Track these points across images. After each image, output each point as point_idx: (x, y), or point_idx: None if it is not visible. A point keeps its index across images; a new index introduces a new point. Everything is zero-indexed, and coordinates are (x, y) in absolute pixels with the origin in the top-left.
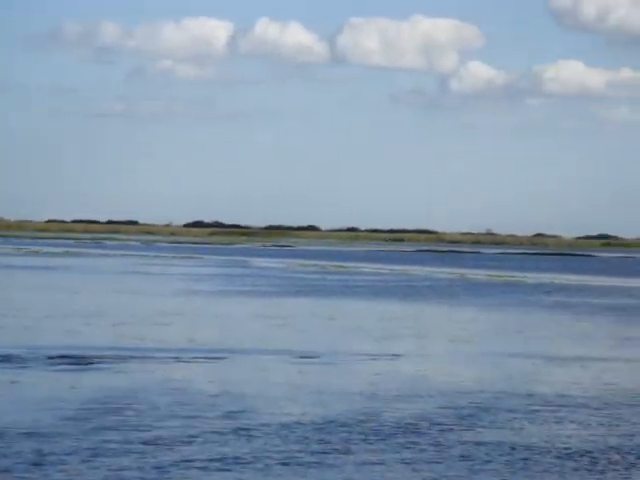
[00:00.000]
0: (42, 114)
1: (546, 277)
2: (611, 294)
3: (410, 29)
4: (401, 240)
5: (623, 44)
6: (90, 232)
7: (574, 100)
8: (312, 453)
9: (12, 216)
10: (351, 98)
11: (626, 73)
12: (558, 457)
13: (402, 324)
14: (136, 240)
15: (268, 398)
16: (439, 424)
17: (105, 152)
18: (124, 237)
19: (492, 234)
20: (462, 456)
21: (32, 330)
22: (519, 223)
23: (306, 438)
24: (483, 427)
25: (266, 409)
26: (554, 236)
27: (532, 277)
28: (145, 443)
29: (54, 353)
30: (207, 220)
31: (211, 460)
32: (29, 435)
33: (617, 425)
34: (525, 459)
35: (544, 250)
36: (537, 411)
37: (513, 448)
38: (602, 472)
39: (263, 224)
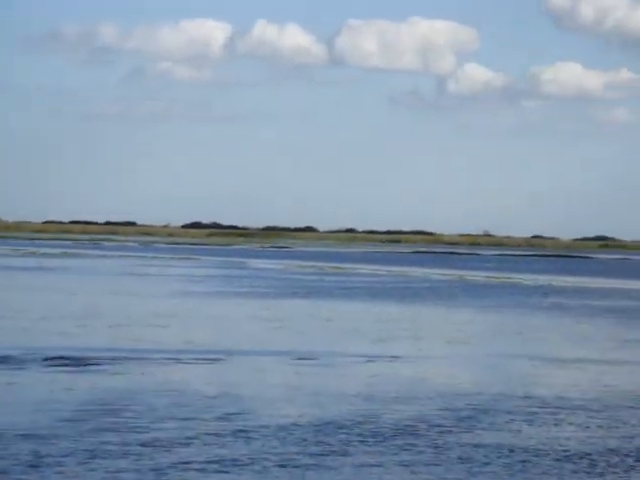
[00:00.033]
0: (40, 115)
1: (544, 279)
2: (609, 296)
3: (408, 31)
4: (398, 241)
5: (621, 46)
6: (88, 233)
7: (572, 102)
8: (310, 455)
9: (9, 217)
10: (349, 100)
11: (624, 75)
12: (557, 459)
13: (400, 325)
14: (134, 241)
15: (266, 400)
16: (437, 426)
17: (103, 153)
18: (122, 238)
19: (490, 235)
20: (460, 458)
21: (29, 331)
22: (517, 224)
23: (304, 440)
24: (482, 429)
25: (264, 411)
26: (552, 238)
27: (530, 278)
28: (143, 445)
29: (51, 354)
30: (205, 221)
31: (209, 462)
32: (26, 437)
33: (616, 427)
34: (524, 461)
35: (542, 252)
36: (536, 413)
37: (512, 450)
38: (601, 475)
39: (261, 225)
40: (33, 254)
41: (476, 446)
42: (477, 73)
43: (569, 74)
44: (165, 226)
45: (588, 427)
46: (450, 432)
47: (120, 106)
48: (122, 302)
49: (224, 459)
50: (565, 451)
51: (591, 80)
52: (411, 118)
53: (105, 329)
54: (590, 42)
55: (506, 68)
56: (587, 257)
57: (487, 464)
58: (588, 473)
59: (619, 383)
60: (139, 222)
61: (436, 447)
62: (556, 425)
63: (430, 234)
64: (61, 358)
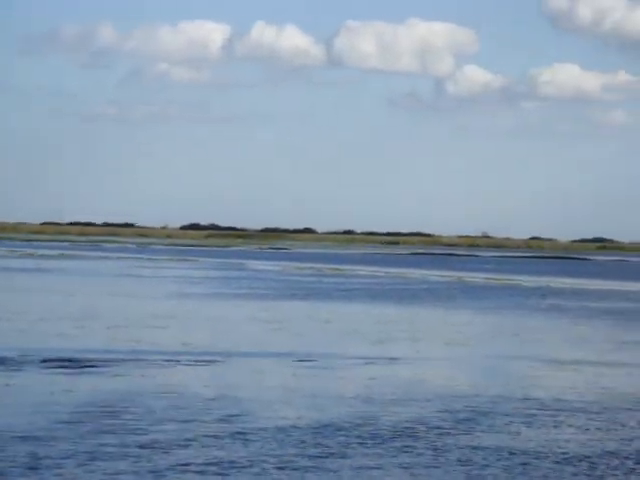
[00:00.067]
0: (40, 115)
1: (542, 280)
2: (607, 298)
3: (406, 32)
4: (397, 243)
5: (619, 47)
6: (86, 234)
7: (570, 103)
8: (309, 457)
9: (7, 218)
10: (347, 101)
11: (622, 76)
12: (556, 462)
13: (398, 327)
14: (132, 242)
15: (264, 401)
16: (436, 428)
17: (101, 155)
18: (120, 239)
19: (488, 237)
20: (460, 460)
21: (27, 333)
22: (515, 226)
23: (302, 442)
24: (481, 431)
25: (262, 413)
26: (550, 239)
27: (528, 280)
28: (141, 447)
29: (49, 356)
30: (203, 222)
31: (207, 464)
32: (24, 439)
33: (615, 429)
34: (523, 464)
35: (540, 253)
36: (535, 415)
37: (511, 452)
38: (601, 477)
39: (259, 226)
40: (31, 255)
41: (475, 448)
42: (475, 75)
43: (567, 75)
44: (163, 227)
45: (587, 429)
46: (449, 434)
47: (119, 107)
48: (120, 304)
49: (223, 461)
50: (564, 453)
51: (589, 82)
52: (409, 120)
53: (103, 331)
54: (588, 44)
55: (504, 70)
56: (585, 259)
57: (486, 466)
58: (588, 476)
59: (617, 385)
60: (137, 223)
61: (435, 449)
62: (555, 427)
63: (429, 235)
64: (59, 360)
